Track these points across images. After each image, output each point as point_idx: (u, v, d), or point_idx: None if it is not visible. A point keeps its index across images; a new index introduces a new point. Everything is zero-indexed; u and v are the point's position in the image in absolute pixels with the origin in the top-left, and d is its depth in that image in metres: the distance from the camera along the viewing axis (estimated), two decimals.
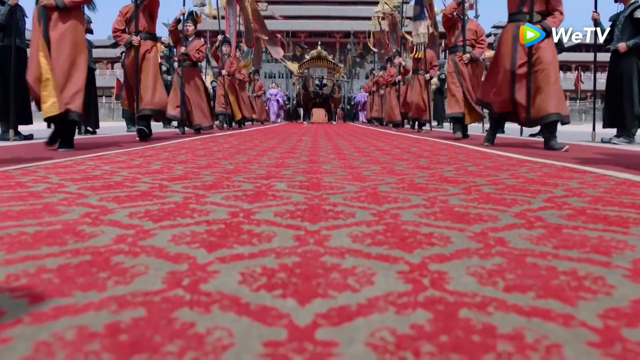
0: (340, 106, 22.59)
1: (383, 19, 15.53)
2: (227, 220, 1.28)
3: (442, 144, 5.24)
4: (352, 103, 25.40)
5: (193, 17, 7.97)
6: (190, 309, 0.70)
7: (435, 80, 11.58)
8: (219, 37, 10.51)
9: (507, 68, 4.51)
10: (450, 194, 1.76)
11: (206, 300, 0.73)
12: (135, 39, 5.44)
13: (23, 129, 5.85)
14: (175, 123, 8.89)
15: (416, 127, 9.95)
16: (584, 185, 2.03)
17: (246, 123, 13.68)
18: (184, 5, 7.61)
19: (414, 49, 9.12)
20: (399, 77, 11.56)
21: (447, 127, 12.19)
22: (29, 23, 6.20)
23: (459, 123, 6.44)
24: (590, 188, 1.93)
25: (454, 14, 6.51)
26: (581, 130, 7.04)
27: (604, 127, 6.11)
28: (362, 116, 24.13)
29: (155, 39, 5.82)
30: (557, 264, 0.93)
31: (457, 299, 0.74)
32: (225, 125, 10.64)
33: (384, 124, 13.79)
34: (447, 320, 0.67)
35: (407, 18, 12.63)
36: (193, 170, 2.47)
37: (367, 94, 20.04)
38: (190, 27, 7.72)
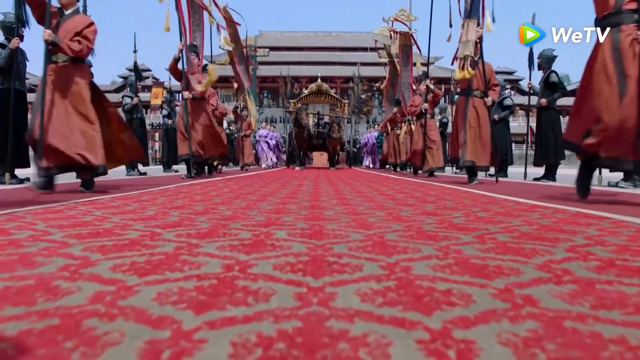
0: (346, 148, 18.42)
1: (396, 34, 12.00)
2: (220, 274, 1.15)
3: (447, 188, 5.13)
4: (358, 146, 21.70)
5: None
6: None
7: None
8: (179, 45, 7.29)
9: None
10: (463, 242, 1.63)
11: None
12: None
13: (20, 172, 5.77)
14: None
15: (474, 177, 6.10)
16: (604, 232, 1.90)
17: (217, 169, 11.14)
18: None
19: (462, 64, 6.11)
20: (426, 106, 8.74)
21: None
22: (29, 66, 6.27)
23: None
24: (611, 235, 1.81)
25: None
26: None
27: (610, 170, 6.01)
28: (368, 160, 20.16)
29: None
30: (601, 329, 0.80)
31: None
32: (193, 173, 7.49)
33: (407, 169, 11.35)
34: None
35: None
36: (189, 216, 2.35)
37: (381, 134, 16.20)
38: None
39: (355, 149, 20.82)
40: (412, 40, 11.17)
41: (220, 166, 11.85)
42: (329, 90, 18.01)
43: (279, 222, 2.10)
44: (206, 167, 8.85)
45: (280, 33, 62.39)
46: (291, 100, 18.19)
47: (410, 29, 11.26)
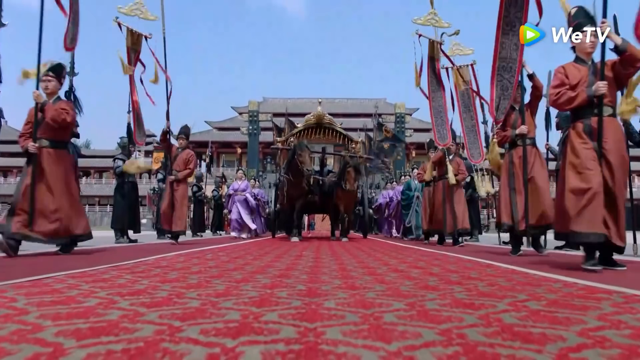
0: (357, 209, 13.29)
1: None
2: None
3: (466, 260, 4.47)
4: (374, 207, 16.06)
5: None
6: None
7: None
8: None
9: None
10: None
11: None
12: None
13: None
14: None
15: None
16: None
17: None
18: None
19: None
20: (524, 130, 5.19)
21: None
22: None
23: None
24: None
25: None
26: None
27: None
28: (390, 226, 14.31)
29: None
30: None
31: None
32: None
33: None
34: None
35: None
36: (138, 310, 1.71)
37: (412, 188, 11.27)
38: None
39: (371, 211, 15.37)
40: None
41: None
42: (333, 123, 12.27)
43: (257, 327, 1.46)
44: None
45: (284, 100, 63.37)
46: (278, 139, 12.54)
47: None
